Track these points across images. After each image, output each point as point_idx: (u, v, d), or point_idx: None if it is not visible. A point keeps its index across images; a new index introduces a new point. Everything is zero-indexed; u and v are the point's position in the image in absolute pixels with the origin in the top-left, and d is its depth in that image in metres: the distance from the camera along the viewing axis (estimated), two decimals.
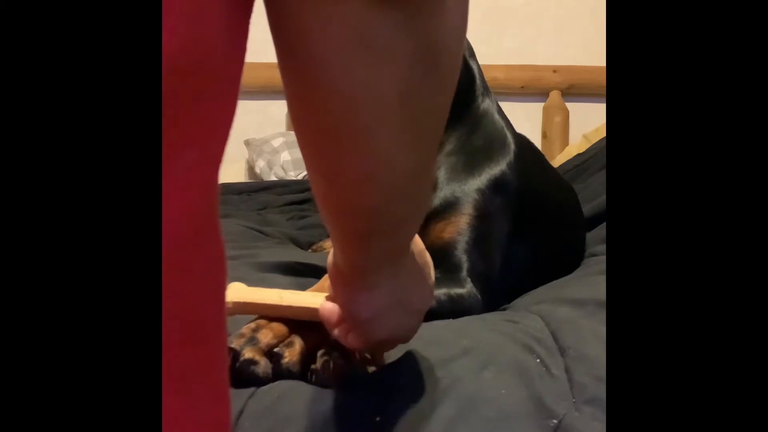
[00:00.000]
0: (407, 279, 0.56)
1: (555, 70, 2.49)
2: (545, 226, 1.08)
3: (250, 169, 2.45)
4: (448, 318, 0.81)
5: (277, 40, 0.37)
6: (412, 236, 0.54)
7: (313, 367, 0.64)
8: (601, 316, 0.76)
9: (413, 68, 0.37)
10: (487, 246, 0.94)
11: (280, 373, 0.63)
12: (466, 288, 0.87)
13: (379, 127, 0.39)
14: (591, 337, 0.71)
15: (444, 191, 0.96)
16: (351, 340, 0.59)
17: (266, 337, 0.64)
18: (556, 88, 2.49)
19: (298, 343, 0.65)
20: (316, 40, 0.35)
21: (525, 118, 2.42)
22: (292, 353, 0.64)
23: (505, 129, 1.04)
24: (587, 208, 1.37)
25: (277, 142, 2.34)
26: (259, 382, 0.62)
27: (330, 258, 0.55)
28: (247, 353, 0.63)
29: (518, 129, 1.11)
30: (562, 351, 0.70)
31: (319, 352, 0.65)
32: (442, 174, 0.97)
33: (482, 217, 0.94)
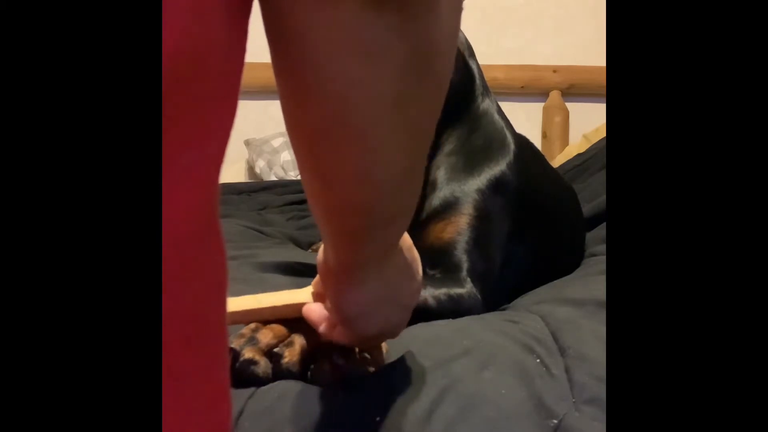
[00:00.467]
0: (396, 275, 0.56)
1: (555, 70, 2.49)
2: (545, 226, 1.08)
3: (250, 169, 2.45)
4: (448, 318, 0.81)
5: (272, 42, 0.38)
6: (402, 233, 0.54)
7: (313, 367, 0.64)
8: (601, 316, 0.76)
9: (407, 70, 0.37)
10: (487, 246, 0.94)
11: (280, 373, 0.63)
12: (466, 288, 0.87)
13: (373, 128, 0.39)
14: (591, 337, 0.71)
15: (444, 191, 0.96)
16: (338, 336, 0.59)
17: (266, 337, 0.64)
18: (556, 88, 2.49)
19: (298, 343, 0.65)
20: (311, 43, 0.35)
21: (525, 118, 2.42)
22: (292, 353, 0.64)
23: (505, 129, 1.04)
24: (587, 208, 1.37)
25: (277, 142, 2.34)
26: (259, 382, 0.62)
27: (320, 255, 0.55)
28: (247, 353, 0.63)
29: (518, 129, 1.11)
30: (562, 351, 0.70)
31: (319, 352, 0.65)
32: (441, 174, 0.97)
33: (482, 217, 0.94)
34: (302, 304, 0.63)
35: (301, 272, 1.08)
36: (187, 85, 0.30)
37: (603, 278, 0.89)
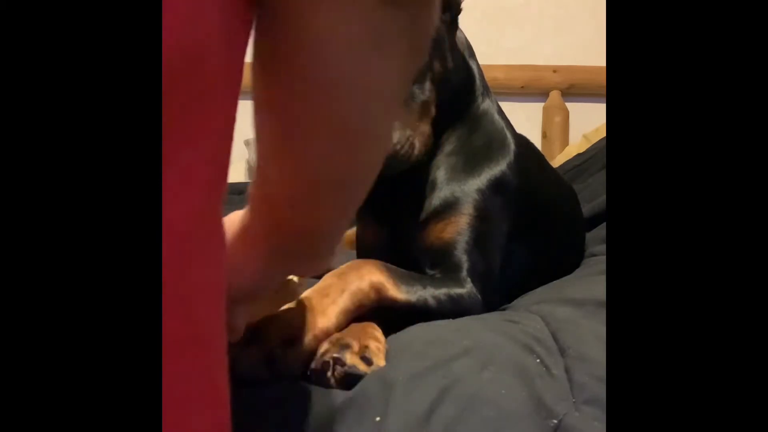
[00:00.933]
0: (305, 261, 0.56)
1: (555, 70, 2.49)
2: (545, 226, 1.08)
3: (250, 169, 2.45)
4: (448, 318, 0.81)
5: (274, 46, 0.38)
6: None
7: (313, 366, 0.64)
8: (601, 316, 0.76)
9: (408, 56, 0.40)
10: (487, 246, 0.94)
11: (280, 373, 0.63)
12: (466, 288, 0.87)
13: (383, 113, 0.42)
14: (591, 337, 0.71)
15: (444, 191, 0.96)
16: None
17: (266, 336, 0.64)
18: (556, 88, 2.49)
19: (298, 343, 0.65)
20: (330, 42, 0.36)
21: (525, 118, 2.42)
22: (292, 353, 0.64)
23: (505, 129, 1.04)
24: (587, 208, 1.37)
25: None
26: (259, 382, 0.62)
27: (242, 221, 0.54)
28: (248, 353, 0.63)
29: (518, 129, 1.11)
30: (562, 351, 0.70)
31: (320, 352, 0.65)
32: (442, 174, 0.97)
33: (482, 217, 0.94)
34: None
35: None
36: (187, 83, 0.30)
37: (603, 278, 0.89)
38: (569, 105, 2.49)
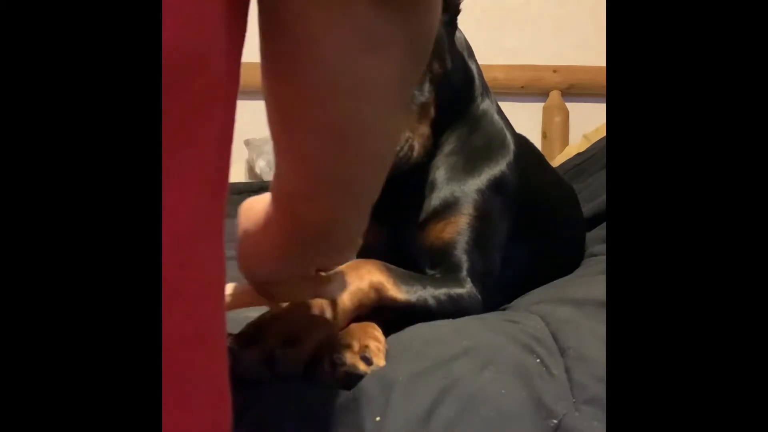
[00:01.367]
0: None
1: (555, 70, 2.49)
2: (545, 226, 1.08)
3: (250, 169, 2.45)
4: (448, 318, 0.81)
5: (274, 47, 0.38)
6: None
7: (313, 366, 0.64)
8: (601, 316, 0.76)
9: (409, 58, 0.40)
10: (487, 246, 0.94)
11: (280, 372, 0.63)
12: (466, 288, 0.87)
13: (381, 114, 0.42)
14: (591, 337, 0.71)
15: (443, 191, 0.96)
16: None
17: (266, 336, 0.64)
18: (556, 88, 2.49)
19: (298, 343, 0.65)
20: (324, 43, 0.36)
21: (525, 118, 2.42)
22: (292, 353, 0.64)
23: (505, 129, 1.04)
24: (587, 208, 1.37)
25: None
26: (259, 382, 0.62)
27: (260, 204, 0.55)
28: (248, 353, 0.63)
29: (518, 129, 1.11)
30: (562, 351, 0.70)
31: (320, 352, 0.65)
32: (441, 174, 0.97)
33: (482, 217, 0.94)
34: None
35: None
36: (190, 84, 0.30)
37: (603, 278, 0.89)
38: (569, 105, 2.49)
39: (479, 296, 0.87)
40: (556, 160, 2.10)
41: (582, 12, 2.48)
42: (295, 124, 0.42)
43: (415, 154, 0.90)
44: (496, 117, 1.05)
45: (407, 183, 0.95)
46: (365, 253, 1.00)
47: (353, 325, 0.72)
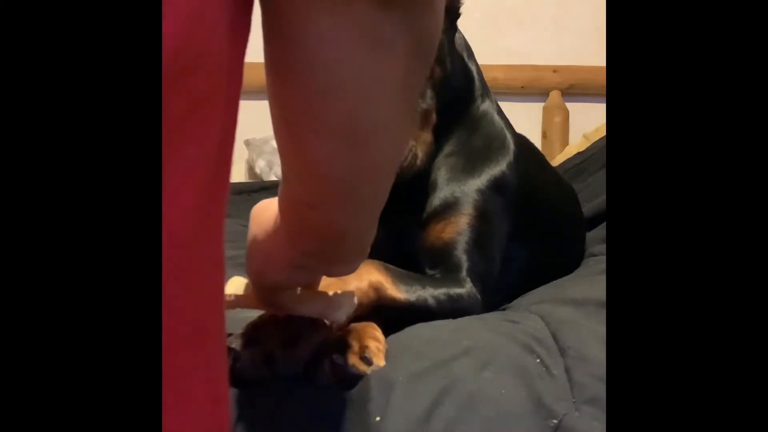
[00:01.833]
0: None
1: (555, 70, 2.49)
2: (545, 226, 1.08)
3: (250, 169, 2.45)
4: (448, 318, 0.81)
5: (278, 50, 0.38)
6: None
7: (313, 367, 0.64)
8: (601, 316, 0.76)
9: (413, 59, 0.40)
10: (486, 246, 0.94)
11: (280, 373, 0.63)
12: (466, 288, 0.87)
13: (388, 116, 0.41)
14: (591, 337, 0.71)
15: (444, 192, 0.96)
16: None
17: (266, 336, 0.64)
18: (556, 88, 2.49)
19: (297, 343, 0.65)
20: (326, 45, 0.36)
21: (525, 118, 2.41)
22: (292, 353, 0.64)
23: (505, 129, 1.04)
24: (587, 208, 1.37)
25: None
26: (258, 382, 0.62)
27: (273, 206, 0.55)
28: (248, 354, 0.63)
29: (518, 129, 1.11)
30: (562, 351, 0.70)
31: (319, 353, 0.65)
32: (441, 175, 0.97)
33: (482, 218, 0.94)
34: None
35: None
36: (187, 82, 0.30)
37: (603, 278, 0.89)
38: (569, 105, 2.49)
39: (479, 296, 0.87)
40: (556, 160, 2.10)
41: (582, 12, 2.48)
42: (301, 129, 0.42)
43: (418, 162, 0.90)
44: (496, 117, 1.05)
45: (407, 184, 0.95)
46: None
47: (353, 325, 0.72)
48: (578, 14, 2.49)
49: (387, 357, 0.67)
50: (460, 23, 1.04)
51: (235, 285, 0.66)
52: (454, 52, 1.00)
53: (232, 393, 0.43)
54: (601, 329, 0.71)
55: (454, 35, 1.02)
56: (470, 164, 0.98)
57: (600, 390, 0.60)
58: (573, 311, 0.81)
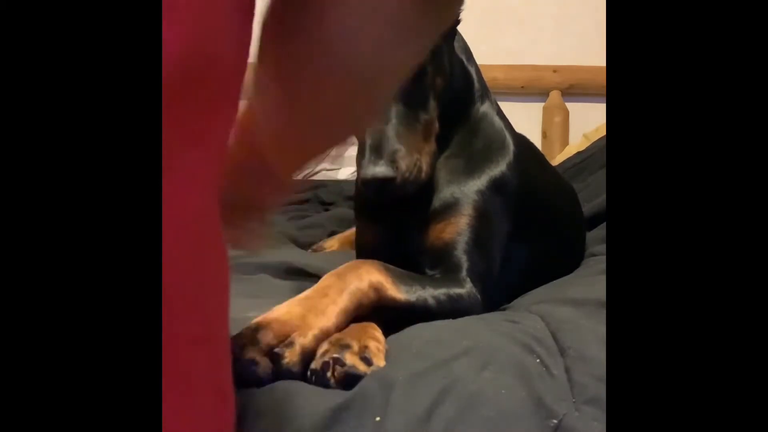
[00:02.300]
0: None
1: (555, 70, 2.49)
2: (545, 226, 1.08)
3: None
4: (448, 318, 0.81)
5: (296, 49, 0.38)
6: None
7: (313, 367, 0.64)
8: (601, 316, 0.76)
9: (432, 42, 0.41)
10: (486, 246, 0.94)
11: (280, 373, 0.63)
12: (466, 288, 0.87)
13: (398, 83, 0.43)
14: (591, 337, 0.71)
15: (444, 192, 0.96)
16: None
17: (266, 337, 0.65)
18: (556, 88, 2.49)
19: (298, 343, 0.65)
20: (359, 40, 0.37)
21: (525, 118, 2.41)
22: (292, 353, 0.64)
23: (505, 130, 1.04)
24: (587, 208, 1.37)
25: None
26: (259, 382, 0.62)
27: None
28: (248, 353, 0.63)
29: (518, 129, 1.11)
30: (562, 351, 0.70)
31: (319, 352, 0.66)
32: (442, 176, 0.97)
33: (482, 218, 0.94)
34: None
35: (301, 272, 1.08)
36: (193, 88, 0.30)
37: (603, 278, 0.89)
38: (569, 105, 2.49)
39: (479, 296, 0.87)
40: (556, 160, 2.10)
41: (582, 12, 2.48)
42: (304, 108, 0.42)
43: (423, 175, 0.90)
44: (496, 119, 1.05)
45: None
46: (364, 254, 1.01)
47: (353, 325, 0.72)
48: (578, 14, 2.49)
49: (387, 357, 0.67)
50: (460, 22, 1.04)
51: None
52: (453, 58, 1.01)
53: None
54: (601, 329, 0.71)
55: (453, 40, 1.02)
56: (470, 165, 0.98)
57: (600, 390, 0.60)
58: (573, 311, 0.81)
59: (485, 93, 1.07)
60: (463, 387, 0.60)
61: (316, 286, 0.74)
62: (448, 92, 0.97)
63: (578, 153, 1.97)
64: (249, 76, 0.38)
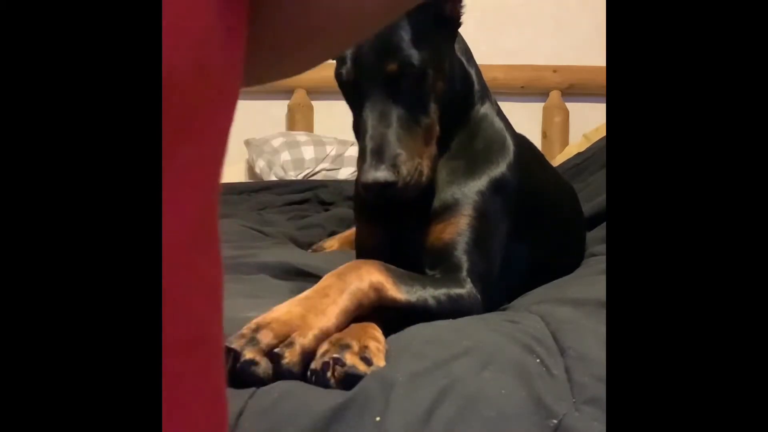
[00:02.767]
0: None
1: (555, 70, 2.49)
2: (545, 226, 1.08)
3: (250, 169, 2.45)
4: (448, 318, 0.81)
5: (295, 22, 0.38)
6: None
7: (312, 367, 0.64)
8: (601, 316, 0.76)
9: None
10: (487, 246, 0.94)
11: (280, 373, 0.63)
12: (466, 288, 0.87)
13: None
14: (591, 337, 0.71)
15: (444, 193, 0.96)
16: None
17: (266, 337, 0.65)
18: (556, 88, 2.49)
19: (298, 343, 0.65)
20: (364, 5, 0.37)
21: (525, 118, 2.41)
22: (292, 353, 0.64)
23: (505, 131, 1.04)
24: (587, 208, 1.37)
25: (277, 142, 2.34)
26: (259, 382, 0.62)
27: None
28: (248, 354, 0.63)
29: (518, 129, 1.11)
30: (562, 351, 0.70)
31: (319, 352, 0.66)
32: (442, 176, 0.97)
33: (482, 218, 0.94)
34: None
35: (300, 273, 1.08)
36: (190, 93, 0.30)
37: (603, 278, 0.89)
38: (569, 105, 2.49)
39: (479, 296, 0.88)
40: (556, 160, 2.10)
41: (582, 12, 2.48)
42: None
43: (424, 179, 0.90)
44: (496, 119, 1.05)
45: None
46: (365, 254, 1.01)
47: (353, 326, 0.72)
48: (578, 14, 2.49)
49: (387, 357, 0.67)
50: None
51: None
52: (453, 61, 1.01)
53: (232, 393, 0.43)
54: (601, 329, 0.71)
55: (453, 43, 1.02)
56: (470, 166, 0.98)
57: (600, 390, 0.60)
58: (573, 311, 0.81)
59: (485, 94, 1.07)
60: (463, 387, 0.60)
61: (316, 286, 0.74)
62: (449, 94, 0.97)
63: (578, 154, 1.97)
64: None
